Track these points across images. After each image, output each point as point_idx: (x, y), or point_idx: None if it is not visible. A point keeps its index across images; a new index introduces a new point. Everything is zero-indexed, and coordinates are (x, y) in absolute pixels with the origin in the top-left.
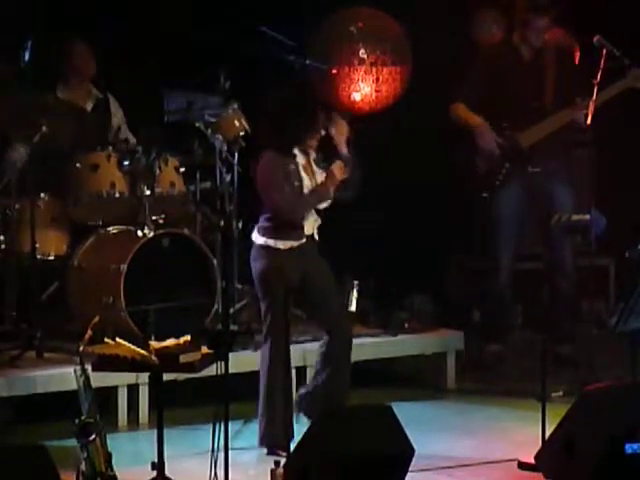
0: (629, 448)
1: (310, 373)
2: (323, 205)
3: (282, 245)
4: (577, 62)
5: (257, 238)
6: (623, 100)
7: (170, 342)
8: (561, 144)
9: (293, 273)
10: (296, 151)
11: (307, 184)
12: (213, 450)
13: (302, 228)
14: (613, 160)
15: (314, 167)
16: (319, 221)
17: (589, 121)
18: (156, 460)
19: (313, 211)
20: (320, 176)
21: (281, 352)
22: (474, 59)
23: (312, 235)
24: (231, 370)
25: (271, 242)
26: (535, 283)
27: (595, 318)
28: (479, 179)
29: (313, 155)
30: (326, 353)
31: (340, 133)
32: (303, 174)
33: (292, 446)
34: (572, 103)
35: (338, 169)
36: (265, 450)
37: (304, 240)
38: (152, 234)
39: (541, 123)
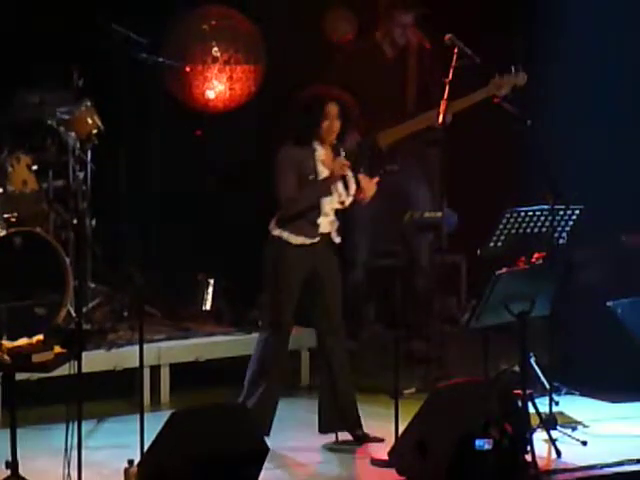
0: (479, 444)
1: (164, 372)
2: (337, 205)
3: (294, 240)
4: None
5: (272, 228)
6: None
7: (22, 341)
8: (417, 143)
9: (301, 269)
10: (316, 145)
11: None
12: (67, 449)
13: (317, 226)
14: (464, 157)
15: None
16: (336, 222)
17: (441, 120)
18: (10, 459)
19: (329, 210)
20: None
21: (277, 346)
22: (331, 58)
23: (329, 234)
24: (84, 369)
25: (285, 235)
26: (388, 280)
27: (447, 315)
28: None
29: (342, 152)
30: (325, 364)
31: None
32: (321, 167)
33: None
34: (434, 106)
35: (338, 165)
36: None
37: (318, 239)
38: (4, 232)
39: (402, 124)
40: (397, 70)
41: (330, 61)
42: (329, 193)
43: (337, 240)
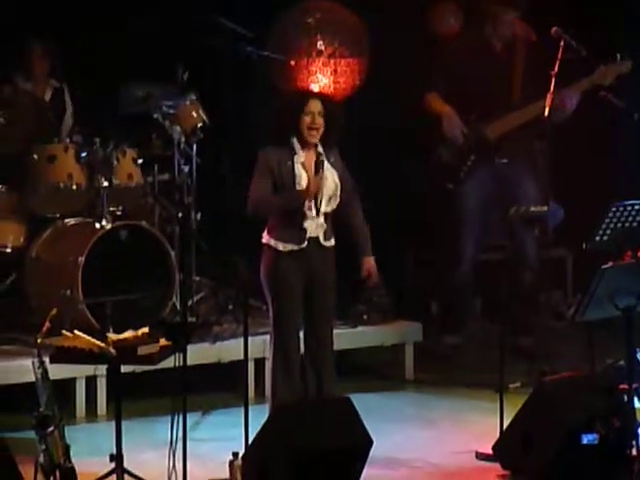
0: (585, 438)
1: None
2: (325, 208)
3: (282, 247)
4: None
5: (264, 236)
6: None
7: (128, 334)
8: (525, 136)
9: (295, 276)
10: (296, 145)
11: (302, 181)
12: (172, 442)
13: (304, 231)
14: (571, 152)
15: (326, 163)
16: (325, 226)
17: (547, 113)
18: (114, 452)
19: (315, 214)
20: (330, 172)
21: (281, 355)
22: (439, 51)
23: (317, 239)
24: (189, 362)
25: (272, 242)
26: (495, 274)
27: (553, 310)
28: (443, 170)
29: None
30: (312, 369)
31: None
32: (300, 170)
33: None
34: (541, 97)
35: (316, 183)
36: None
37: (306, 244)
38: (110, 226)
39: (509, 115)
40: (505, 63)
41: (435, 54)
42: (299, 206)
43: (328, 244)
